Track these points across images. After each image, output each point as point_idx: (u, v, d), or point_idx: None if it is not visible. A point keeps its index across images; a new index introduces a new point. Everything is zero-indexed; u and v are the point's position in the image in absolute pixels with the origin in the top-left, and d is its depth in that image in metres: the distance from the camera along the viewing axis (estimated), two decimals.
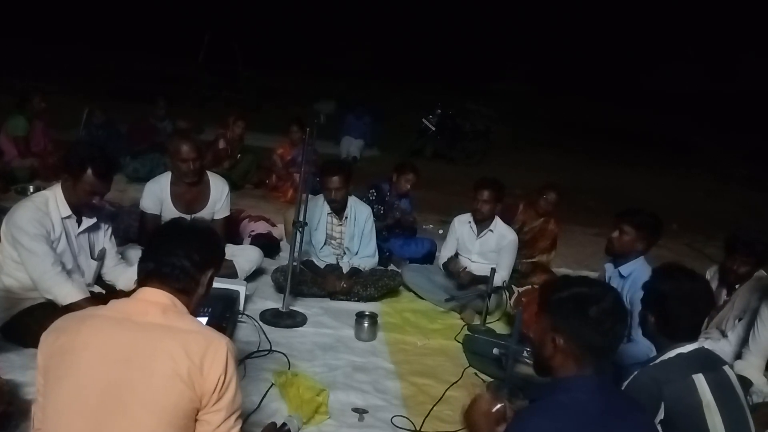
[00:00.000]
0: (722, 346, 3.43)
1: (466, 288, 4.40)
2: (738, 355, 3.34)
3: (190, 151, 3.99)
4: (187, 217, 3.88)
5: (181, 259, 1.77)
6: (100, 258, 3.38)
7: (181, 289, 1.77)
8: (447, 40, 16.70)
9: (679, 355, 2.20)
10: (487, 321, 4.13)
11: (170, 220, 2.00)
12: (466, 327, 4.13)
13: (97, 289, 3.37)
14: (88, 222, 3.27)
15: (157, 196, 4.07)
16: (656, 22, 16.25)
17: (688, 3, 15.78)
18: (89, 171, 3.05)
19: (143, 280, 1.78)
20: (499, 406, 1.90)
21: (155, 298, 1.74)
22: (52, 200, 3.12)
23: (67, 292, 3.01)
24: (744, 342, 3.32)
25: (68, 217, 3.15)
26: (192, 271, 1.79)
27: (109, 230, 3.44)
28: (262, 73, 15.08)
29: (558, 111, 15.08)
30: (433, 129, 11.09)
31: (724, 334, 3.48)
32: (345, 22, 17.02)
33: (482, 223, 4.51)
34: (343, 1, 17.11)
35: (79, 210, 3.19)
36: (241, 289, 3.79)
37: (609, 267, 3.84)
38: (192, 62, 14.00)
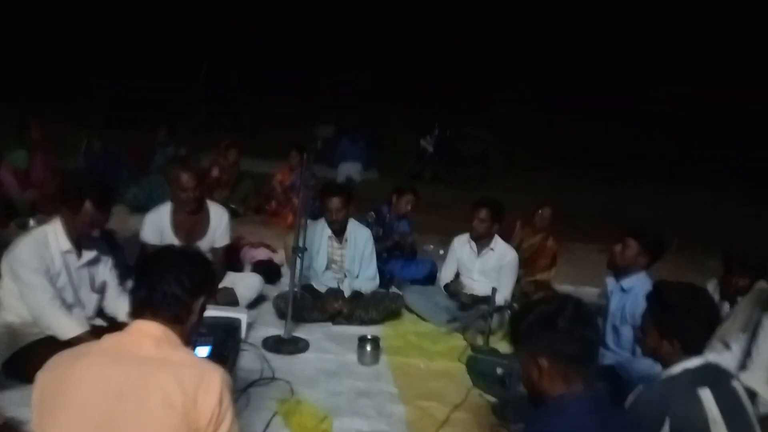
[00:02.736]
0: (726, 359, 3.40)
1: (468, 309, 4.39)
2: (742, 367, 3.32)
3: (189, 179, 4.02)
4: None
5: (172, 287, 1.78)
6: (101, 291, 3.38)
7: (173, 318, 1.78)
8: (445, 62, 16.84)
9: (686, 370, 2.20)
10: (490, 341, 4.12)
11: (160, 247, 2.00)
12: (469, 348, 4.11)
13: (99, 322, 3.37)
14: (88, 255, 3.28)
15: (157, 227, 4.09)
16: (650, 42, 16.42)
17: (681, 23, 15.95)
18: (87, 202, 3.07)
19: (136, 311, 1.79)
20: None
21: (148, 330, 1.75)
22: (52, 234, 3.14)
23: (68, 327, 3.01)
24: (747, 354, 3.31)
25: (68, 251, 3.17)
26: (184, 298, 1.80)
27: (110, 262, 3.45)
28: (260, 97, 15.15)
29: (555, 133, 15.16)
30: (431, 150, 11.14)
31: (727, 347, 3.47)
32: (342, 44, 17.18)
33: (482, 241, 4.52)
34: (339, 24, 17.27)
35: (79, 243, 3.21)
36: (243, 317, 3.79)
37: (611, 281, 3.85)
38: (190, 89, 14.10)
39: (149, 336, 1.73)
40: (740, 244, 4.01)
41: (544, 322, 1.82)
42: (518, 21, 16.96)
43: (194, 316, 1.85)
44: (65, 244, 3.14)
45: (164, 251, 1.96)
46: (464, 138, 11.96)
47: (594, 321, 1.89)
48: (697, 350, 2.26)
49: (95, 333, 2.99)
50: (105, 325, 3.32)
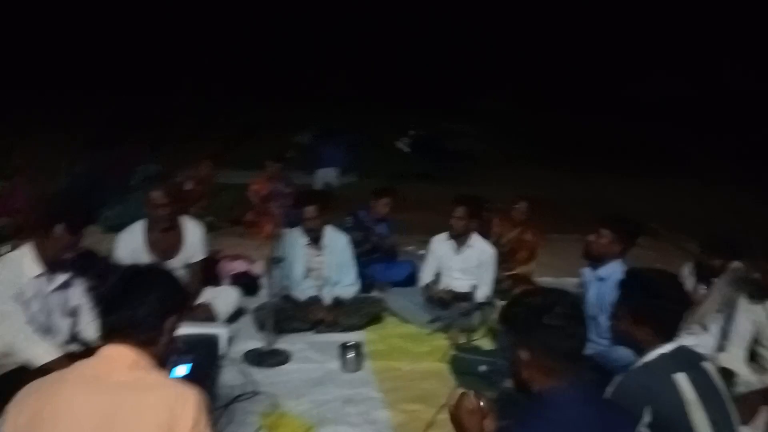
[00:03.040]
0: (705, 340, 3.44)
1: (449, 307, 4.39)
2: (721, 348, 3.35)
3: (160, 196, 3.97)
4: (162, 263, 3.89)
5: (140, 310, 1.74)
6: (74, 315, 3.34)
7: (144, 341, 1.74)
8: (425, 60, 16.83)
9: (662, 355, 2.21)
10: (472, 338, 4.12)
11: (126, 267, 1.95)
12: (452, 347, 4.11)
13: (74, 347, 3.32)
14: (60, 279, 3.24)
15: (130, 246, 4.03)
16: (634, 31, 16.55)
17: (663, 12, 16.10)
18: (57, 225, 3.04)
19: (105, 336, 1.75)
20: (483, 402, 1.90)
21: (119, 355, 1.71)
22: (23, 259, 3.10)
23: (41, 353, 2.97)
24: (725, 334, 3.34)
25: (40, 275, 3.12)
26: (154, 320, 1.76)
27: (83, 286, 3.40)
28: (238, 106, 15.10)
29: (542, 126, 15.20)
30: (408, 150, 11.15)
31: (705, 328, 3.50)
32: (317, 45, 17.12)
33: (460, 239, 4.52)
34: (313, 24, 17.21)
35: (51, 267, 3.16)
36: (222, 332, 3.74)
37: (587, 271, 3.88)
38: (169, 102, 14.00)
39: (121, 361, 1.70)
40: (721, 227, 4.07)
41: (531, 315, 1.81)
42: (500, 16, 17.00)
43: (166, 336, 1.81)
44: (37, 268, 3.10)
45: (131, 273, 1.91)
46: (450, 135, 12.00)
47: (584, 321, 1.88)
48: (671, 335, 2.27)
49: (69, 358, 2.94)
50: (80, 350, 3.26)
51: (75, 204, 3.31)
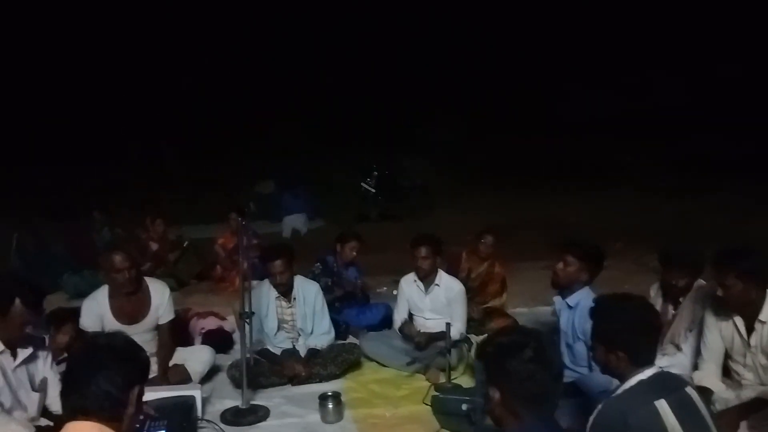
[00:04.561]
0: (679, 360, 3.49)
1: (425, 348, 4.37)
2: (695, 366, 3.39)
3: (123, 260, 3.89)
4: (130, 328, 3.80)
5: (102, 387, 1.71)
6: (42, 389, 3.23)
7: (109, 416, 1.72)
8: (372, 98, 17.12)
9: (640, 382, 2.22)
10: (452, 377, 4.10)
11: (83, 343, 1.93)
12: (432, 387, 4.07)
13: (44, 422, 3.20)
14: (24, 353, 3.14)
15: (95, 313, 3.93)
16: (564, 50, 17.18)
17: (594, 28, 16.77)
18: (17, 302, 2.96)
19: (69, 414, 1.71)
20: None
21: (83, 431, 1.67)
22: None
23: None
24: (698, 352, 3.39)
25: (1, 352, 3.03)
26: (116, 394, 1.74)
27: (49, 358, 3.31)
28: (195, 163, 15.06)
29: (488, 151, 15.56)
30: (373, 191, 11.22)
31: (678, 348, 3.55)
32: (263, 97, 17.27)
33: (427, 279, 4.53)
34: (257, 79, 17.40)
35: (13, 343, 3.07)
36: (197, 393, 3.66)
37: (558, 300, 3.91)
38: (121, 166, 13.88)
39: None
40: (674, 242, 4.15)
41: (500, 357, 1.83)
42: (435, 49, 17.47)
43: (131, 407, 1.79)
44: None
45: (89, 349, 1.88)
46: (403, 170, 12.12)
47: (552, 365, 1.88)
48: (646, 359, 2.29)
49: None
50: (51, 425, 3.16)
51: (32, 279, 3.23)
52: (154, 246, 6.95)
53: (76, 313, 4.03)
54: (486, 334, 4.42)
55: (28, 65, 16.01)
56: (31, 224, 8.24)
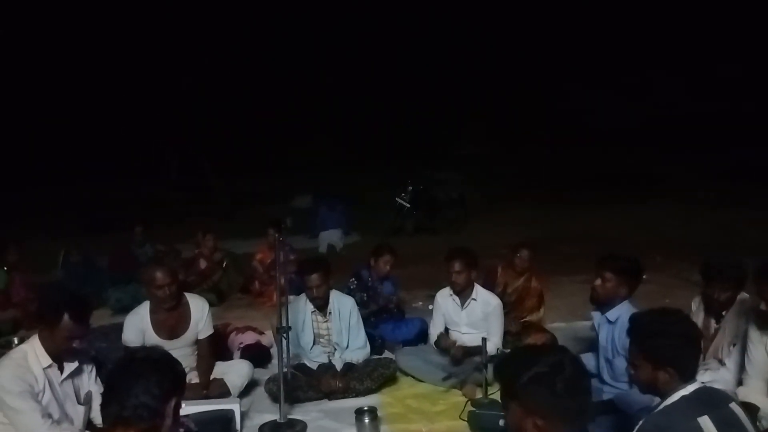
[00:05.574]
0: (723, 375, 3.41)
1: (461, 363, 4.35)
2: (740, 382, 3.31)
3: (164, 276, 3.98)
4: (170, 343, 3.89)
5: (140, 399, 1.77)
6: (88, 402, 3.32)
7: (147, 428, 1.77)
8: (407, 113, 17.24)
9: (683, 397, 2.18)
10: (489, 392, 4.06)
11: (122, 356, 1.99)
12: (469, 403, 4.05)
13: None
14: (70, 367, 3.23)
15: (138, 328, 4.03)
16: (594, 60, 17.07)
17: (624, 38, 16.62)
18: (65, 316, 3.05)
19: (110, 426, 1.76)
20: None
21: None
22: (31, 352, 3.10)
23: None
24: (742, 367, 3.30)
25: (49, 366, 3.12)
26: (155, 406, 1.79)
27: (94, 371, 3.40)
28: (233, 178, 15.32)
29: (522, 164, 15.48)
30: (408, 206, 11.23)
31: (722, 363, 3.47)
32: (302, 113, 17.53)
33: (463, 293, 4.51)
34: (295, 94, 17.67)
35: (59, 357, 3.17)
36: (236, 407, 3.71)
37: (596, 315, 3.86)
38: (163, 182, 14.20)
39: None
40: (716, 254, 4.04)
41: (544, 383, 1.76)
42: (469, 64, 17.52)
43: (168, 419, 1.84)
44: (45, 359, 3.10)
45: (127, 361, 1.94)
46: (439, 184, 12.11)
47: (587, 375, 1.86)
48: (692, 373, 2.25)
49: None
50: None
51: (80, 293, 3.33)
52: (203, 264, 7.07)
53: None
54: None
55: (69, 86, 16.57)
56: (76, 240, 8.47)
